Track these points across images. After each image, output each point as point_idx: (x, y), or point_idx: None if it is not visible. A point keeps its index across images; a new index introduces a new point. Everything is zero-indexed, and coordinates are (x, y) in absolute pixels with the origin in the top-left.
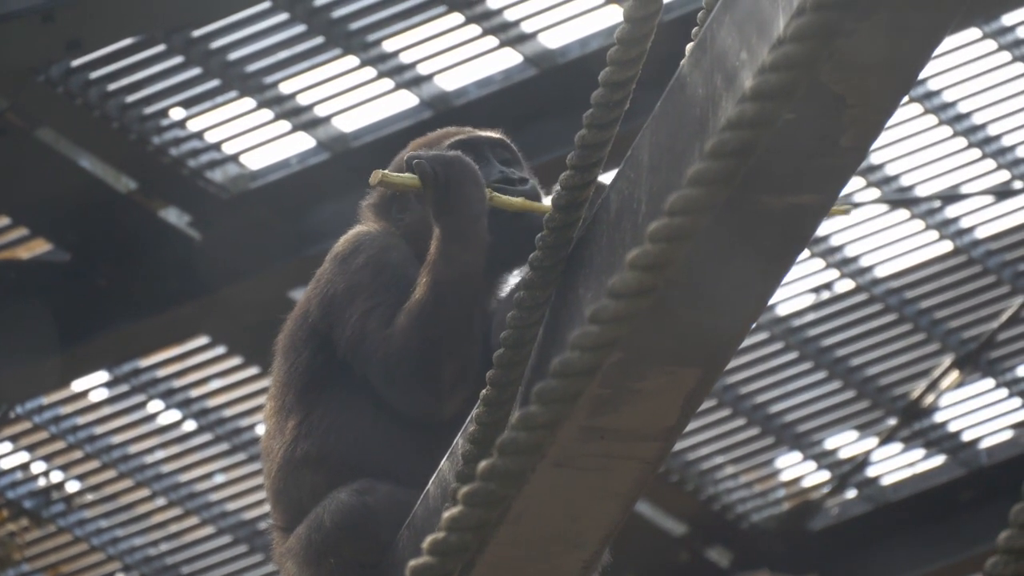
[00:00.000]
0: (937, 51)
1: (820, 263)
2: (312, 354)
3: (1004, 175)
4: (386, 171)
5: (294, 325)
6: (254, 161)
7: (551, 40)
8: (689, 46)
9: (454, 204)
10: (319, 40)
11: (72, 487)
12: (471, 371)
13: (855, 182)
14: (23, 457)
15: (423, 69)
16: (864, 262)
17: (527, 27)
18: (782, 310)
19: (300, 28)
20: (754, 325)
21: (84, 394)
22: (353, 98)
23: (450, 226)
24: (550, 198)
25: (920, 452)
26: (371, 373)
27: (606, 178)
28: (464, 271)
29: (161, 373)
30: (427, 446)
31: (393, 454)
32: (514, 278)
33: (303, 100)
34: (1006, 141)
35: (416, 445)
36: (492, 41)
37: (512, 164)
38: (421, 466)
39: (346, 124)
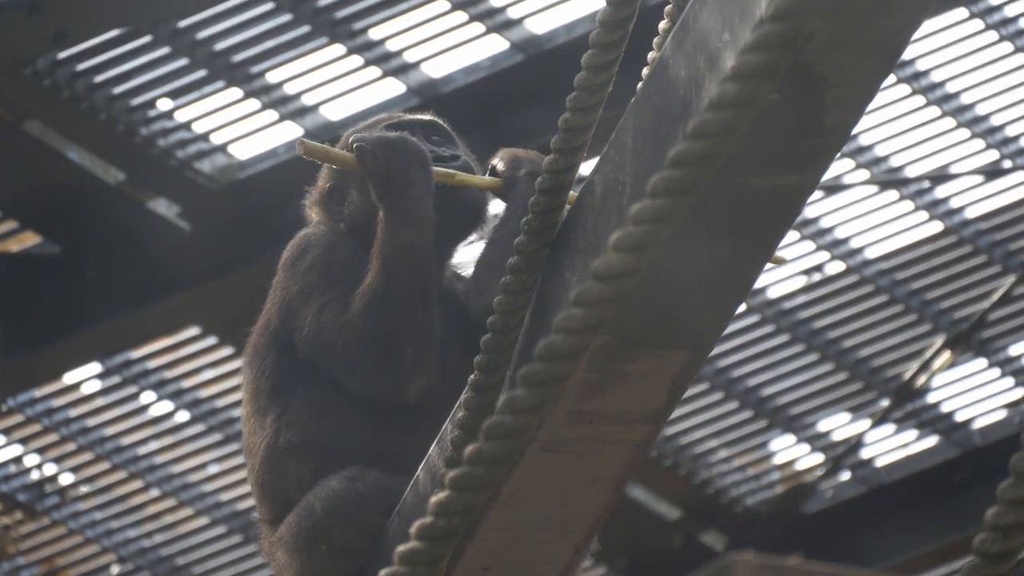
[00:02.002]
0: (924, 31)
1: (810, 245)
2: (277, 358)
3: (993, 155)
4: (319, 144)
5: (257, 336)
6: (242, 151)
7: (537, 26)
8: (662, 25)
9: (397, 185)
10: (305, 29)
11: (66, 479)
12: (432, 350)
13: (844, 163)
14: (16, 450)
15: (410, 56)
16: (854, 243)
17: (513, 13)
18: (773, 292)
19: (286, 17)
20: (744, 308)
21: (76, 386)
22: (340, 87)
23: (394, 207)
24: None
25: (913, 433)
26: (333, 364)
27: (588, 165)
28: (412, 251)
29: (152, 364)
30: (411, 429)
31: (377, 438)
32: (463, 254)
33: (290, 89)
34: (995, 120)
35: (400, 428)
36: (479, 28)
37: (445, 144)
38: (406, 449)
39: (333, 113)
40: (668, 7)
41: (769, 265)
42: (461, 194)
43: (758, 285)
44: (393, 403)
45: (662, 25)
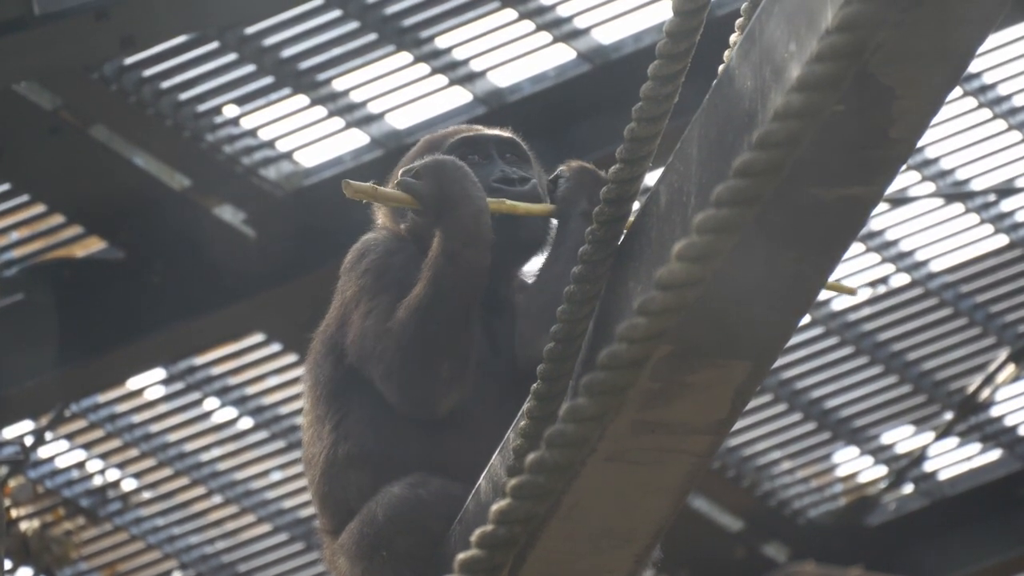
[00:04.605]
0: (991, 44)
1: (875, 257)
2: (334, 365)
3: None
4: (366, 184)
5: (317, 340)
6: (308, 158)
7: (604, 36)
8: (733, 38)
9: (452, 202)
10: (372, 37)
11: (128, 485)
12: (467, 369)
13: (909, 176)
14: (79, 455)
15: (476, 65)
16: (919, 256)
17: (580, 23)
18: (837, 305)
19: (353, 25)
20: (808, 319)
21: (140, 392)
22: (406, 95)
23: (452, 223)
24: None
25: (977, 446)
26: (371, 368)
27: (652, 177)
28: (466, 267)
29: (216, 371)
30: (470, 439)
31: (435, 448)
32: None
33: (356, 97)
34: None
35: (459, 438)
36: (545, 37)
37: (520, 163)
38: (465, 459)
39: (399, 121)
40: (739, 20)
41: (835, 295)
42: (519, 226)
43: (822, 297)
44: (423, 416)
45: (733, 38)
